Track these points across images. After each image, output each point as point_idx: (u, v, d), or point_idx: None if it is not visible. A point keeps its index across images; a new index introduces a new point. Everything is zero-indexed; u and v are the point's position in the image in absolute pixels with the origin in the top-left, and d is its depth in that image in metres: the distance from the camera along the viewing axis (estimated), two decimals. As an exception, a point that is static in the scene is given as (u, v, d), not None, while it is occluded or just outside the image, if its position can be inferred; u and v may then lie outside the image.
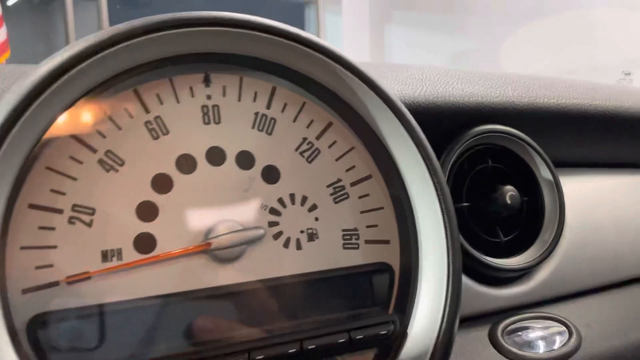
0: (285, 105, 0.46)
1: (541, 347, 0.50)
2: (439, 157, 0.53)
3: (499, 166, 0.56)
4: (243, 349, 0.39)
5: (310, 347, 0.40)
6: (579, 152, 0.64)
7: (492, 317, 0.53)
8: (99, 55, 0.37)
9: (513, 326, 0.51)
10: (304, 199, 0.45)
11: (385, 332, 0.43)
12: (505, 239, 0.55)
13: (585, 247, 0.58)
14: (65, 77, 0.37)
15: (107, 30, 0.38)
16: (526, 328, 0.51)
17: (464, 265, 0.52)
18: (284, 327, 0.42)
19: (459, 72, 0.61)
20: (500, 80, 0.60)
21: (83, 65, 0.37)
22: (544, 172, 0.56)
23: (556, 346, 0.50)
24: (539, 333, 0.51)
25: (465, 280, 0.52)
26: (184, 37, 0.40)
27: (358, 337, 0.42)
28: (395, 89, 0.53)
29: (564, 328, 0.51)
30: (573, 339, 0.50)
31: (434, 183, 0.45)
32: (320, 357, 0.41)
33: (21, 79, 0.37)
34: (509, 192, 0.53)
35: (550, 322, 0.52)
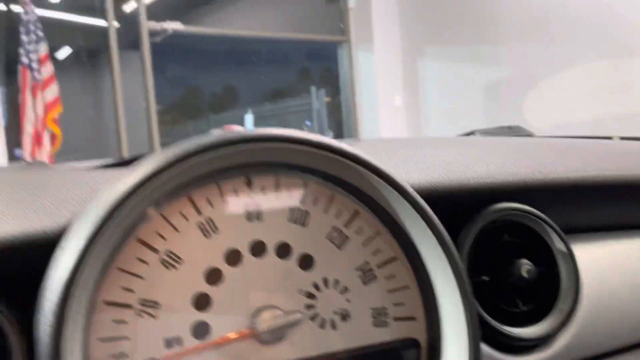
0: (316, 198, 0.52)
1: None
2: (457, 235, 0.58)
3: (516, 240, 0.61)
4: None
5: None
6: (592, 217, 0.68)
7: (515, 384, 0.57)
8: (162, 176, 0.45)
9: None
10: (336, 282, 0.51)
11: None
12: (524, 309, 0.59)
13: (602, 312, 0.61)
14: (135, 195, 0.44)
15: (168, 153, 0.46)
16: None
17: (485, 335, 0.57)
18: (323, 401, 0.48)
19: (473, 150, 0.67)
20: (515, 156, 0.65)
21: (147, 185, 0.45)
22: (558, 244, 0.61)
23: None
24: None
25: (487, 349, 0.57)
26: (232, 154, 0.48)
27: None
28: (413, 176, 0.59)
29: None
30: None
31: (450, 265, 0.50)
32: None
33: (98, 198, 0.45)
34: (525, 265, 0.58)
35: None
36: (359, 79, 5.88)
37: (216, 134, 0.49)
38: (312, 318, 0.50)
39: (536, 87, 4.47)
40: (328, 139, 0.51)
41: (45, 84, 4.20)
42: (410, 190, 0.51)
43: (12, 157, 4.34)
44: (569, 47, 4.35)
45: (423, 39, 5.72)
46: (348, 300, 0.51)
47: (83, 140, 5.29)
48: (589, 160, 0.67)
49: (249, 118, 6.00)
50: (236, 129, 0.51)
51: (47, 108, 4.21)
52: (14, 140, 4.26)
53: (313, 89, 6.17)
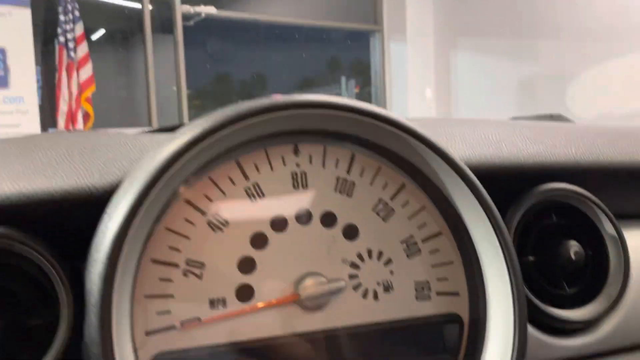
0: (363, 169, 0.52)
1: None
2: (505, 214, 0.57)
3: (564, 222, 0.59)
4: None
5: None
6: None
7: (558, 366, 0.56)
8: (213, 138, 0.45)
9: (579, 377, 0.54)
10: (380, 254, 0.51)
11: None
12: (570, 291, 0.58)
13: (651, 300, 0.60)
14: (186, 156, 0.44)
15: (218, 115, 0.46)
16: (592, 379, 0.54)
17: (530, 315, 0.56)
18: (363, 371, 0.47)
19: (524, 130, 0.65)
20: (566, 138, 0.64)
21: (199, 146, 0.45)
22: (608, 227, 0.59)
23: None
24: (606, 385, 0.53)
25: (530, 329, 0.56)
26: (282, 119, 0.47)
27: None
28: (463, 151, 0.58)
29: (630, 381, 0.53)
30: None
31: (499, 241, 0.49)
32: None
33: (149, 158, 0.45)
34: (573, 247, 0.56)
35: (617, 374, 0.54)
36: (390, 69, 5.83)
37: (266, 99, 0.48)
38: (355, 288, 0.50)
39: (576, 79, 4.35)
40: (378, 108, 0.50)
41: (80, 64, 4.27)
42: (461, 163, 0.50)
43: (46, 135, 4.42)
44: (606, 45, 4.23)
45: (457, 30, 5.63)
46: (391, 273, 0.51)
47: (115, 120, 5.37)
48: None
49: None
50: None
51: (82, 87, 4.29)
52: (48, 118, 4.34)
53: (343, 78, 6.13)
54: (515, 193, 0.58)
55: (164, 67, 4.83)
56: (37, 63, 4.10)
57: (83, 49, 4.29)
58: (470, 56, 5.63)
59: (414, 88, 5.75)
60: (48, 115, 4.36)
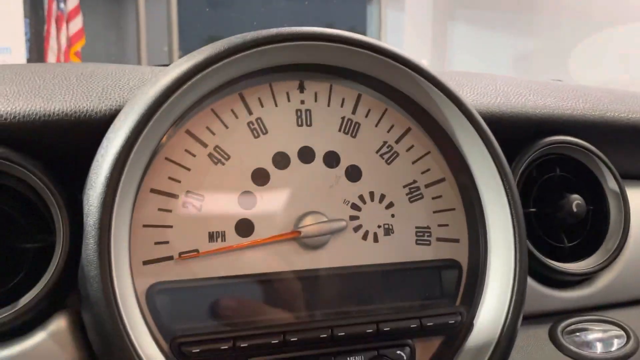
0: (369, 111, 0.51)
1: (599, 348, 0.53)
2: (509, 165, 0.56)
3: (567, 175, 0.59)
4: (325, 326, 0.44)
5: (385, 329, 0.45)
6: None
7: (552, 317, 0.56)
8: (217, 65, 0.43)
9: (573, 327, 0.54)
10: (382, 197, 0.50)
11: (453, 321, 0.47)
12: (570, 244, 0.58)
13: (648, 257, 0.60)
14: (189, 83, 0.43)
15: (223, 43, 0.44)
16: (585, 329, 0.54)
17: (529, 266, 0.56)
18: (361, 310, 0.47)
19: (532, 84, 0.64)
20: (572, 93, 0.63)
21: (203, 73, 0.43)
22: (610, 183, 0.59)
23: (614, 348, 0.52)
24: (597, 335, 0.54)
25: (529, 281, 0.56)
26: (287, 50, 0.46)
27: (429, 324, 0.46)
28: (472, 99, 0.57)
29: (622, 332, 0.54)
30: (630, 343, 0.53)
31: (505, 189, 0.49)
32: (393, 339, 0.46)
33: (150, 84, 0.43)
34: (576, 200, 0.56)
35: (609, 325, 0.55)
36: (386, 38, 5.76)
37: (273, 29, 0.47)
38: (355, 229, 0.49)
39: (576, 48, 4.30)
40: (388, 45, 0.49)
41: (70, 16, 4.16)
42: (472, 107, 0.49)
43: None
44: (605, 21, 4.19)
45: (455, 2, 5.56)
46: (392, 216, 0.50)
47: (104, 77, 5.27)
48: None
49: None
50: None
51: (71, 40, 4.19)
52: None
53: (338, 45, 6.05)
54: (520, 145, 0.57)
55: (156, 26, 4.72)
56: (25, 15, 3.98)
57: (73, 0, 4.17)
58: (468, 29, 5.57)
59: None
60: (36, 68, 4.26)
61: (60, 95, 0.46)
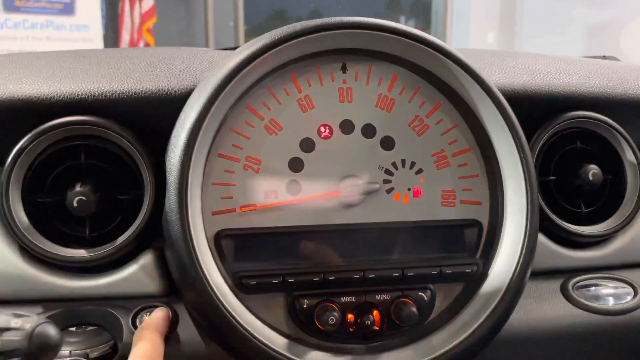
0: (403, 88, 0.58)
1: (608, 302, 0.59)
2: (532, 137, 0.62)
3: (587, 147, 0.64)
4: (359, 269, 0.53)
5: (409, 274, 0.54)
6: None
7: (566, 274, 0.62)
8: (272, 51, 0.52)
9: (584, 282, 0.61)
10: (413, 164, 0.58)
11: (469, 270, 0.55)
12: (587, 210, 0.63)
13: (662, 223, 0.65)
14: (249, 67, 0.52)
15: (277, 32, 0.53)
16: (596, 285, 0.60)
17: (546, 228, 0.62)
18: (390, 258, 0.56)
19: (560, 63, 0.69)
20: (600, 70, 0.67)
21: (260, 58, 0.52)
22: (629, 155, 0.63)
23: (621, 302, 0.58)
24: (606, 290, 0.60)
25: (545, 240, 0.62)
26: (331, 37, 0.54)
27: (447, 271, 0.54)
28: (498, 78, 0.63)
29: (630, 289, 0.59)
30: (638, 297, 0.58)
31: (520, 157, 0.55)
32: (416, 282, 0.54)
33: (217, 68, 0.53)
34: (593, 169, 0.62)
35: (619, 282, 0.60)
36: (453, 11, 5.63)
37: (319, 19, 0.55)
38: (388, 191, 0.57)
39: (632, 22, 4.06)
40: (420, 31, 0.56)
41: (142, -6, 4.36)
42: (493, 85, 0.55)
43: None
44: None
45: (525, -29, 5.34)
46: (421, 181, 0.58)
47: (174, 53, 5.48)
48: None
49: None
50: None
51: (143, 17, 4.40)
52: (112, 47, 4.50)
53: (402, 19, 6.00)
54: (544, 119, 0.63)
55: (223, 2, 4.86)
56: (101, -6, 4.21)
57: (146, -21, 4.37)
58: (538, 0, 5.35)
59: (476, 32, 5.54)
60: (111, 45, 4.51)
61: (147, 77, 0.57)
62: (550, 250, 0.62)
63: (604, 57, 1.09)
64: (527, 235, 0.54)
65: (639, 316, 0.59)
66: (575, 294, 0.59)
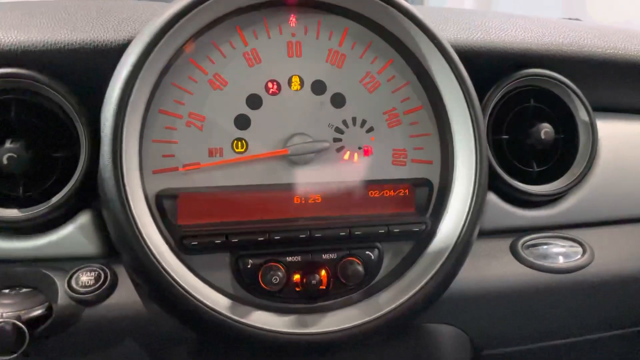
0: (354, 43, 0.56)
1: (557, 261, 0.59)
2: (485, 94, 0.61)
3: (540, 106, 0.63)
4: (306, 228, 0.52)
5: (356, 233, 0.53)
6: (620, 98, 0.69)
7: (517, 233, 0.62)
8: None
9: (533, 241, 0.61)
10: (363, 122, 0.56)
11: (417, 229, 0.54)
12: (538, 169, 0.63)
13: (613, 183, 0.65)
14: (188, 15, 0.49)
15: None
16: (545, 244, 0.61)
17: (497, 187, 0.62)
18: (338, 217, 0.55)
19: (518, 20, 0.68)
20: (556, 28, 0.66)
21: (201, 7, 0.50)
22: (582, 114, 0.63)
23: (569, 260, 0.59)
24: (555, 249, 0.60)
25: (497, 200, 0.62)
26: None
27: (395, 230, 0.53)
28: (451, 33, 0.61)
29: (579, 247, 0.60)
30: (586, 256, 0.59)
31: (471, 119, 0.54)
32: (363, 241, 0.53)
33: (156, 17, 0.50)
34: (545, 128, 0.61)
35: (568, 241, 0.61)
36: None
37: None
38: (338, 150, 0.56)
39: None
40: None
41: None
42: (444, 40, 0.54)
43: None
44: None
45: None
46: (372, 139, 0.56)
47: None
48: (632, 42, 0.66)
49: None
50: None
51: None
52: None
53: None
54: (498, 76, 0.62)
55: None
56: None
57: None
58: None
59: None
60: None
61: (82, 27, 0.54)
62: (501, 210, 0.62)
63: (569, 19, 1.09)
64: (475, 193, 0.53)
65: (586, 274, 0.59)
66: (524, 253, 0.59)
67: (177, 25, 0.49)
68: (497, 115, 0.62)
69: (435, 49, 0.54)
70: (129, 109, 0.48)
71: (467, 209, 0.53)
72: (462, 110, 0.55)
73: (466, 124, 0.55)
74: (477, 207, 0.53)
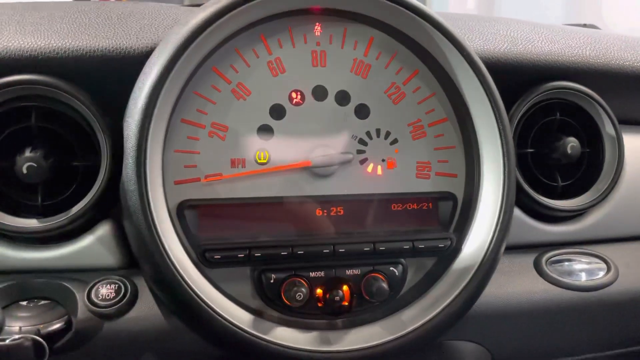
0: (380, 53, 0.55)
1: (581, 278, 0.58)
2: (512, 107, 0.60)
3: (567, 119, 0.62)
4: (329, 242, 0.51)
5: (381, 248, 0.52)
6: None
7: (540, 248, 0.61)
8: (240, 8, 0.48)
9: (557, 257, 0.60)
10: (388, 134, 0.55)
11: (442, 245, 0.53)
12: (563, 183, 0.62)
13: (638, 199, 0.64)
14: (215, 24, 0.48)
15: None
16: (569, 260, 0.60)
17: (521, 202, 0.60)
18: (361, 232, 0.54)
19: (543, 30, 0.66)
20: (583, 40, 0.65)
21: (227, 16, 0.48)
22: (608, 127, 0.62)
23: (594, 278, 0.58)
24: (579, 266, 0.59)
25: (520, 214, 0.61)
26: None
27: (420, 246, 0.52)
28: (478, 45, 0.60)
29: (604, 264, 0.59)
30: (611, 273, 0.58)
31: (499, 128, 0.53)
32: (388, 257, 0.52)
33: (180, 25, 0.49)
34: (571, 142, 0.60)
35: (592, 258, 0.60)
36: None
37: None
38: (361, 162, 0.55)
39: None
40: None
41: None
42: (473, 52, 0.53)
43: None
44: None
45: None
46: (396, 151, 0.55)
47: None
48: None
49: None
50: None
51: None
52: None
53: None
54: (525, 88, 0.61)
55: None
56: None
57: None
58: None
59: (455, -3, 5.47)
60: None
61: (103, 33, 0.53)
62: (524, 224, 0.61)
63: (584, 26, 1.07)
64: (502, 210, 0.52)
65: (611, 292, 0.58)
66: (548, 269, 0.58)
67: (202, 35, 0.48)
68: (522, 128, 0.61)
69: (463, 60, 0.53)
70: (153, 120, 0.47)
71: (494, 226, 0.52)
72: (490, 123, 0.53)
73: (494, 137, 0.53)
74: (505, 224, 0.52)
